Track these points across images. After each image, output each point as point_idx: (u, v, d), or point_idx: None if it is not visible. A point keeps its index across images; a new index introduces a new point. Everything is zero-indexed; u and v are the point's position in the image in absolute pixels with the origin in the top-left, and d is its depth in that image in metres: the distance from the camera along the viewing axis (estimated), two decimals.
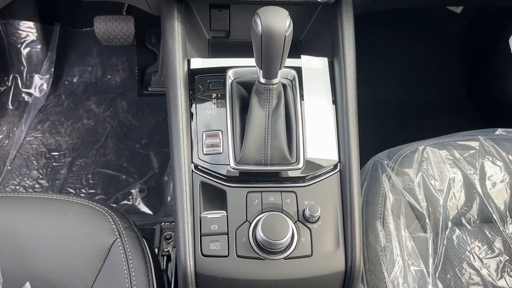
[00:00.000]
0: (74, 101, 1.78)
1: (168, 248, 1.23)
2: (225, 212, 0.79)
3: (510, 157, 0.99)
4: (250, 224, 0.77)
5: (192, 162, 0.84)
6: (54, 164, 1.63)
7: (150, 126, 1.74)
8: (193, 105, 0.90)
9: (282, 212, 0.78)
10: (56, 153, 1.65)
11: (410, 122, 1.73)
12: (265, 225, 0.74)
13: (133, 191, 1.57)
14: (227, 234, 0.77)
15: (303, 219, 0.78)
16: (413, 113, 1.76)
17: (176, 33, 0.96)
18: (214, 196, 0.81)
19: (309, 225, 0.78)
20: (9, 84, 1.79)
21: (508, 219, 0.95)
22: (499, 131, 1.07)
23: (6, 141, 1.68)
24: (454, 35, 1.85)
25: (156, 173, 1.62)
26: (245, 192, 0.80)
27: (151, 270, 0.85)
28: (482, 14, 1.75)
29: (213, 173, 0.82)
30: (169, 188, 1.56)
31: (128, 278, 0.81)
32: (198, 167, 0.83)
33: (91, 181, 1.59)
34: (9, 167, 1.62)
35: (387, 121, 1.71)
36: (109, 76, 1.85)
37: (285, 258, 0.75)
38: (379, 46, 1.83)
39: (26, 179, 1.59)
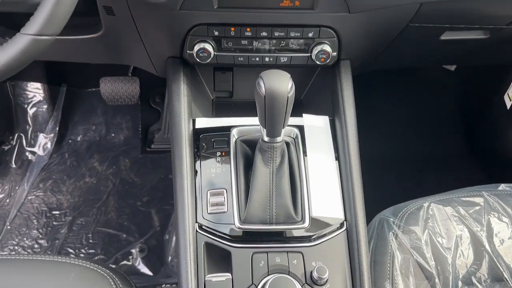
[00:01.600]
0: (77, 159, 1.80)
1: None
2: (230, 274, 0.77)
3: None
4: (256, 287, 0.75)
5: (196, 222, 0.83)
6: (54, 223, 1.61)
7: (152, 183, 1.74)
8: (198, 164, 0.91)
9: (289, 274, 0.76)
10: (57, 212, 1.64)
11: (411, 175, 1.73)
12: None
13: (133, 250, 1.54)
14: None
15: (311, 282, 0.76)
16: (413, 166, 1.77)
17: (182, 94, 0.99)
18: (218, 257, 0.80)
19: None
20: (14, 143, 1.81)
21: None
22: (502, 186, 1.07)
23: (8, 200, 1.67)
24: (449, 90, 1.91)
25: (157, 232, 1.60)
26: (251, 253, 0.79)
27: None
28: (476, 71, 1.82)
29: (218, 233, 0.81)
30: (170, 247, 1.54)
31: None
32: (203, 226, 0.83)
33: (91, 241, 1.56)
34: (9, 227, 1.59)
35: (387, 174, 1.71)
36: (113, 134, 1.88)
37: None
38: (376, 101, 1.87)
39: (25, 239, 1.57)
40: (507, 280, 0.92)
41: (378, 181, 1.64)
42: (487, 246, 0.94)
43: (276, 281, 0.73)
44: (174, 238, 1.57)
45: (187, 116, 0.97)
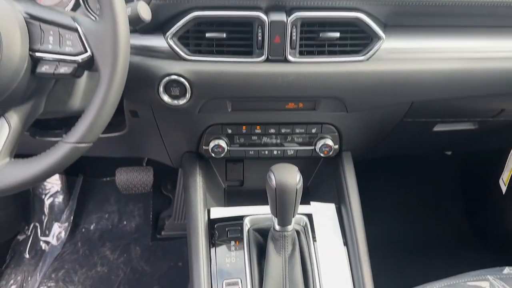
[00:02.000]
0: (89, 248, 1.83)
1: None
2: None
3: None
4: None
5: None
6: None
7: (162, 272, 1.76)
8: (213, 252, 0.96)
9: None
10: None
11: (417, 258, 1.74)
12: None
13: None
14: None
15: None
16: (418, 249, 1.79)
17: (198, 186, 1.08)
18: None
19: None
20: (29, 233, 1.86)
21: None
22: (506, 270, 1.09)
23: None
24: (449, 174, 1.99)
25: None
26: None
27: None
28: (473, 154, 1.91)
29: None
30: None
31: None
32: None
33: None
34: None
35: (394, 257, 1.72)
36: (125, 222, 1.93)
37: None
38: (381, 185, 1.95)
39: None
40: None
41: (386, 264, 1.66)
42: None
43: None
44: None
45: (203, 206, 1.05)
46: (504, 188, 1.29)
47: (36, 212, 1.91)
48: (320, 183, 1.26)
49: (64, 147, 0.73)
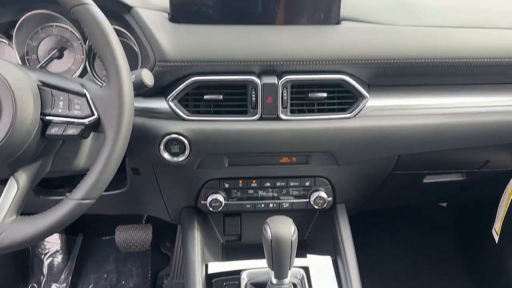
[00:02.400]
0: None
1: None
2: None
3: None
4: None
5: None
6: None
7: None
8: None
9: None
10: None
11: None
12: None
13: None
14: None
15: None
16: None
17: (196, 241, 1.10)
18: None
19: None
20: None
21: None
22: None
23: None
24: (445, 226, 2.00)
25: None
26: None
27: None
28: (468, 205, 1.94)
29: None
30: None
31: None
32: None
33: None
34: None
35: None
36: (123, 282, 1.91)
37: None
38: (377, 238, 1.95)
39: None
40: None
41: None
42: None
43: None
44: None
45: (201, 262, 1.07)
46: (496, 238, 1.31)
47: (35, 272, 1.90)
48: (317, 236, 1.28)
49: (69, 204, 0.77)
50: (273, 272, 0.91)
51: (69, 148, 0.92)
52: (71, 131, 0.79)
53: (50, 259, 1.93)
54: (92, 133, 0.95)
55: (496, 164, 1.23)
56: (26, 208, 0.85)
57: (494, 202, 1.40)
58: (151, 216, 1.95)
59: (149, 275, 1.93)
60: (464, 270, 1.90)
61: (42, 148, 0.83)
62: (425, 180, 1.27)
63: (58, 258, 1.93)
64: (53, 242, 1.95)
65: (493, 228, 1.33)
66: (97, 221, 2.01)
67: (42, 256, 1.93)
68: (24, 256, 1.92)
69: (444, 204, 2.01)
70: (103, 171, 0.77)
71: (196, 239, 1.11)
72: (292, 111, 0.99)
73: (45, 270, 1.90)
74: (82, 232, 2.02)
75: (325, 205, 1.14)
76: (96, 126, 0.80)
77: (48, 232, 0.77)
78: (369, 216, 1.71)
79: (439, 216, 2.01)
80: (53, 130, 0.79)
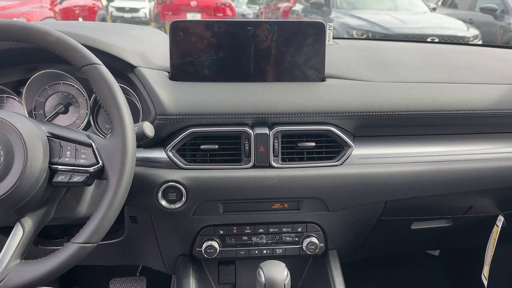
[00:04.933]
0: None
1: None
2: None
3: None
4: None
5: None
6: None
7: None
8: None
9: None
10: None
11: None
12: None
13: None
14: None
15: None
16: None
17: None
18: None
19: None
20: None
21: None
22: None
23: None
24: (437, 274, 2.01)
25: None
26: None
27: None
28: (457, 253, 1.97)
29: None
30: None
31: None
32: None
33: None
34: None
35: None
36: None
37: None
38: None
39: None
40: None
41: None
42: None
43: None
44: None
45: None
46: (485, 282, 1.34)
47: None
48: (310, 282, 1.30)
49: (72, 247, 0.81)
50: None
51: (72, 196, 0.97)
52: (77, 178, 0.85)
53: None
54: (94, 183, 1.02)
55: (479, 210, 1.28)
56: (26, 257, 0.88)
57: (483, 250, 1.44)
58: (145, 269, 1.95)
59: None
60: None
61: (48, 195, 0.88)
62: (413, 227, 1.32)
63: None
64: None
65: (482, 273, 1.35)
66: (91, 274, 2.00)
67: None
68: None
69: (436, 253, 2.03)
70: (105, 216, 0.82)
71: (191, 287, 1.13)
72: (283, 159, 1.06)
73: None
74: (77, 285, 2.00)
75: (317, 251, 1.18)
76: (100, 174, 0.86)
77: (51, 275, 0.80)
78: (362, 265, 1.73)
79: (431, 264, 2.03)
80: (59, 178, 0.85)
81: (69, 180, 0.85)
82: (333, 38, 1.29)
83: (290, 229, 1.16)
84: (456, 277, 1.97)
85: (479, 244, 1.42)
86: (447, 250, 2.00)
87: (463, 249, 1.87)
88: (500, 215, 1.29)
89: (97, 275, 2.00)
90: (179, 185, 1.02)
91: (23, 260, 0.83)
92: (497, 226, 1.29)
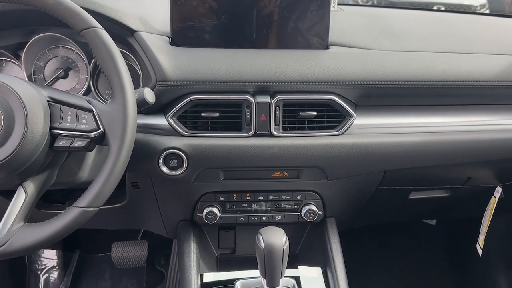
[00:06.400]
0: None
1: None
2: None
3: None
4: None
5: None
6: None
7: None
8: None
9: None
10: None
11: None
12: None
13: None
14: None
15: None
16: None
17: (192, 252, 1.15)
18: None
19: None
20: None
21: None
22: None
23: None
24: (433, 243, 2.05)
25: None
26: None
27: None
28: (454, 224, 2.00)
29: None
30: None
31: None
32: None
33: None
34: None
35: None
36: None
37: None
38: (368, 258, 2.00)
39: None
40: None
41: None
42: None
43: None
44: None
45: (196, 271, 1.11)
46: (480, 252, 1.37)
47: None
48: (308, 249, 1.33)
49: (74, 211, 0.82)
50: (265, 281, 0.96)
51: (74, 161, 0.98)
52: (78, 143, 0.85)
53: (47, 275, 1.95)
54: (95, 147, 1.02)
55: (477, 181, 1.29)
56: (29, 220, 0.90)
57: (480, 220, 1.46)
58: (146, 233, 1.99)
59: None
60: (451, 285, 1.94)
61: (50, 159, 0.88)
62: (411, 196, 1.33)
63: (55, 274, 1.95)
64: (50, 258, 1.97)
65: (477, 243, 1.38)
66: (93, 238, 2.04)
67: (39, 272, 1.95)
68: (21, 272, 1.94)
69: (433, 222, 2.06)
70: (107, 181, 0.82)
71: (192, 250, 1.16)
72: (284, 128, 1.06)
73: (41, 285, 1.92)
74: (79, 249, 2.05)
75: (315, 218, 1.20)
76: (101, 139, 0.86)
77: (54, 238, 0.82)
78: (359, 234, 1.77)
79: (428, 233, 2.06)
80: (61, 143, 0.85)
81: (70, 145, 0.85)
82: (338, 4, 1.26)
83: (289, 197, 1.18)
84: (452, 246, 2.01)
85: (476, 214, 1.44)
86: (443, 220, 2.03)
87: (459, 219, 1.90)
88: (498, 187, 1.30)
89: (99, 239, 2.04)
90: (180, 152, 1.02)
91: (26, 223, 0.85)
92: (495, 197, 1.30)
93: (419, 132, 1.12)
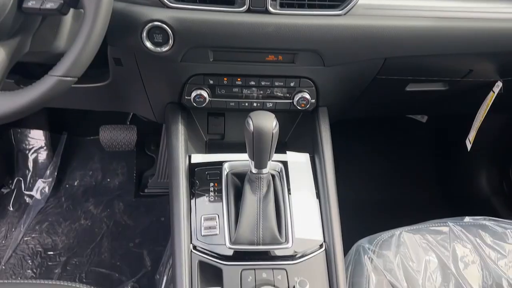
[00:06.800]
0: (73, 203, 1.88)
1: None
2: None
3: (478, 240, 1.09)
4: None
5: (191, 243, 0.93)
6: (49, 263, 1.65)
7: (144, 226, 1.82)
8: (193, 193, 1.02)
9: (274, 287, 0.85)
10: (52, 253, 1.69)
11: (389, 219, 1.84)
12: None
13: None
14: None
15: None
16: (391, 211, 1.88)
17: (179, 133, 1.12)
18: (211, 274, 0.89)
19: None
20: (13, 187, 1.89)
21: None
22: (466, 218, 1.19)
23: (3, 242, 1.73)
24: (422, 140, 2.08)
25: (148, 271, 1.65)
26: (240, 270, 0.88)
27: None
28: (445, 121, 2.00)
29: (210, 253, 0.91)
30: (161, 286, 1.58)
31: None
32: (197, 247, 0.92)
33: (84, 280, 1.61)
34: (3, 267, 1.64)
35: (368, 218, 1.82)
36: (108, 180, 1.97)
37: None
38: (357, 151, 2.03)
39: (19, 278, 1.60)
40: None
41: (360, 224, 1.75)
42: (453, 270, 1.04)
43: None
44: (165, 278, 1.62)
45: (184, 151, 1.10)
46: (469, 147, 1.37)
47: (20, 167, 1.94)
48: (297, 137, 1.32)
49: (50, 80, 0.77)
50: (253, 163, 0.95)
51: (49, 28, 0.89)
52: (49, 5, 0.76)
53: (35, 154, 1.96)
54: (72, 15, 0.92)
55: (479, 74, 1.24)
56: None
57: (473, 118, 1.44)
58: (135, 119, 1.97)
59: (134, 174, 1.99)
60: (435, 180, 2.02)
61: (20, 23, 0.80)
62: (408, 88, 1.28)
63: (43, 155, 1.96)
64: (37, 139, 1.97)
65: (467, 138, 1.38)
66: (81, 121, 2.02)
67: (27, 152, 1.96)
68: (9, 151, 1.94)
69: (424, 120, 2.06)
70: (84, 48, 0.76)
71: (180, 131, 1.13)
72: (282, 5, 0.96)
73: (30, 165, 1.94)
74: (67, 131, 2.04)
75: (308, 107, 1.16)
76: (75, 1, 0.77)
77: (29, 107, 0.78)
78: (349, 126, 1.76)
79: (418, 129, 2.07)
80: (30, 3, 0.76)
81: (41, 7, 0.76)
82: None
83: (282, 83, 1.12)
84: (440, 142, 2.03)
85: (471, 110, 1.41)
86: (435, 117, 2.02)
87: (451, 117, 1.89)
88: (498, 81, 1.26)
89: (86, 123, 2.02)
90: (166, 26, 0.93)
91: (1, 91, 0.79)
92: (493, 92, 1.27)
93: (426, 17, 1.03)
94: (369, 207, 1.88)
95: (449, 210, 1.88)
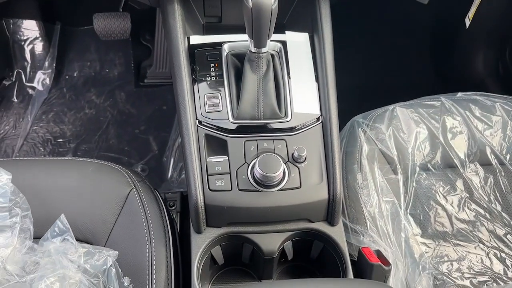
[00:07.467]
0: (75, 93, 1.91)
1: (172, 214, 1.36)
2: (226, 157, 0.93)
3: (467, 113, 1.15)
4: (249, 165, 0.92)
5: (196, 119, 0.98)
6: (60, 149, 1.74)
7: (148, 114, 1.88)
8: (195, 73, 1.05)
9: (274, 154, 0.93)
10: (61, 140, 1.78)
11: (385, 102, 1.90)
12: (261, 162, 0.88)
13: (135, 170, 1.69)
14: (229, 173, 0.91)
15: (292, 160, 0.93)
16: (387, 95, 1.93)
17: (176, 13, 1.11)
18: (216, 145, 0.95)
19: (298, 165, 0.93)
20: (13, 79, 1.91)
21: (467, 164, 1.11)
22: (459, 94, 1.23)
23: (13, 131, 1.80)
24: (421, 24, 2.04)
25: (156, 155, 1.75)
26: (243, 141, 0.95)
27: (163, 210, 0.98)
28: (447, 3, 1.94)
29: (215, 127, 0.97)
30: (169, 167, 1.70)
31: (145, 217, 0.94)
32: (202, 122, 0.97)
33: None
34: (18, 154, 1.73)
35: (364, 102, 1.87)
36: (107, 70, 1.98)
37: (278, 190, 0.90)
38: (354, 36, 2.00)
39: None
40: (457, 166, 1.11)
41: (356, 108, 1.81)
42: (441, 139, 1.11)
43: (264, 157, 0.89)
44: (172, 160, 1.72)
45: (182, 32, 1.09)
46: (467, 24, 1.36)
47: (18, 58, 1.93)
48: (297, 19, 1.29)
49: None
50: (252, 41, 0.96)
51: None
52: None
53: (31, 46, 1.94)
54: None
55: None
56: None
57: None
58: (127, 6, 1.90)
59: (132, 64, 1.99)
60: (431, 62, 2.03)
61: None
62: None
63: (39, 46, 1.94)
64: (31, 29, 1.93)
65: (467, 16, 1.36)
66: (72, 9, 1.95)
67: (22, 43, 1.93)
68: (4, 42, 1.92)
69: (426, 2, 1.99)
70: None
71: (177, 11, 1.11)
72: None
73: (27, 56, 1.93)
74: (60, 21, 1.98)
75: None
76: None
77: None
78: (346, 11, 1.71)
79: (417, 12, 2.02)
80: None
81: None
82: None
83: None
84: (439, 22, 2.00)
85: None
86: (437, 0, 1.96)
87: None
88: None
89: (79, 11, 1.96)
90: None
91: None
92: None
93: None
94: (364, 92, 1.92)
95: (443, 92, 1.93)
